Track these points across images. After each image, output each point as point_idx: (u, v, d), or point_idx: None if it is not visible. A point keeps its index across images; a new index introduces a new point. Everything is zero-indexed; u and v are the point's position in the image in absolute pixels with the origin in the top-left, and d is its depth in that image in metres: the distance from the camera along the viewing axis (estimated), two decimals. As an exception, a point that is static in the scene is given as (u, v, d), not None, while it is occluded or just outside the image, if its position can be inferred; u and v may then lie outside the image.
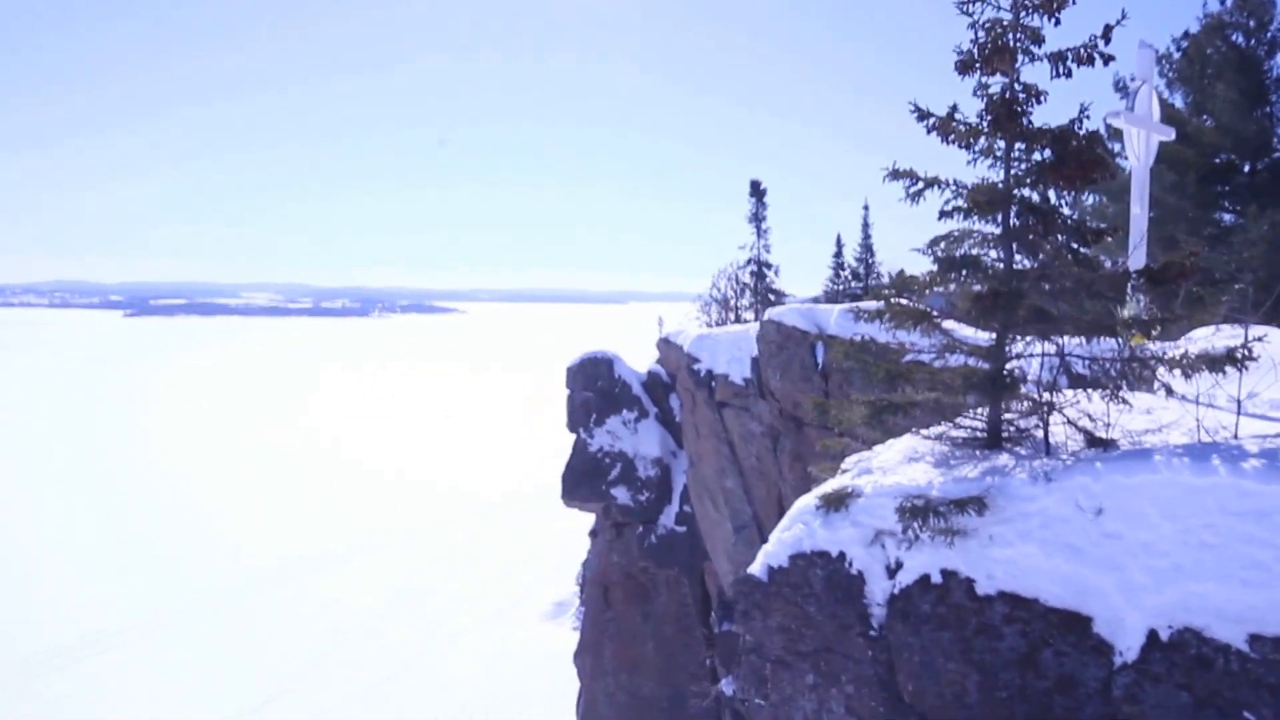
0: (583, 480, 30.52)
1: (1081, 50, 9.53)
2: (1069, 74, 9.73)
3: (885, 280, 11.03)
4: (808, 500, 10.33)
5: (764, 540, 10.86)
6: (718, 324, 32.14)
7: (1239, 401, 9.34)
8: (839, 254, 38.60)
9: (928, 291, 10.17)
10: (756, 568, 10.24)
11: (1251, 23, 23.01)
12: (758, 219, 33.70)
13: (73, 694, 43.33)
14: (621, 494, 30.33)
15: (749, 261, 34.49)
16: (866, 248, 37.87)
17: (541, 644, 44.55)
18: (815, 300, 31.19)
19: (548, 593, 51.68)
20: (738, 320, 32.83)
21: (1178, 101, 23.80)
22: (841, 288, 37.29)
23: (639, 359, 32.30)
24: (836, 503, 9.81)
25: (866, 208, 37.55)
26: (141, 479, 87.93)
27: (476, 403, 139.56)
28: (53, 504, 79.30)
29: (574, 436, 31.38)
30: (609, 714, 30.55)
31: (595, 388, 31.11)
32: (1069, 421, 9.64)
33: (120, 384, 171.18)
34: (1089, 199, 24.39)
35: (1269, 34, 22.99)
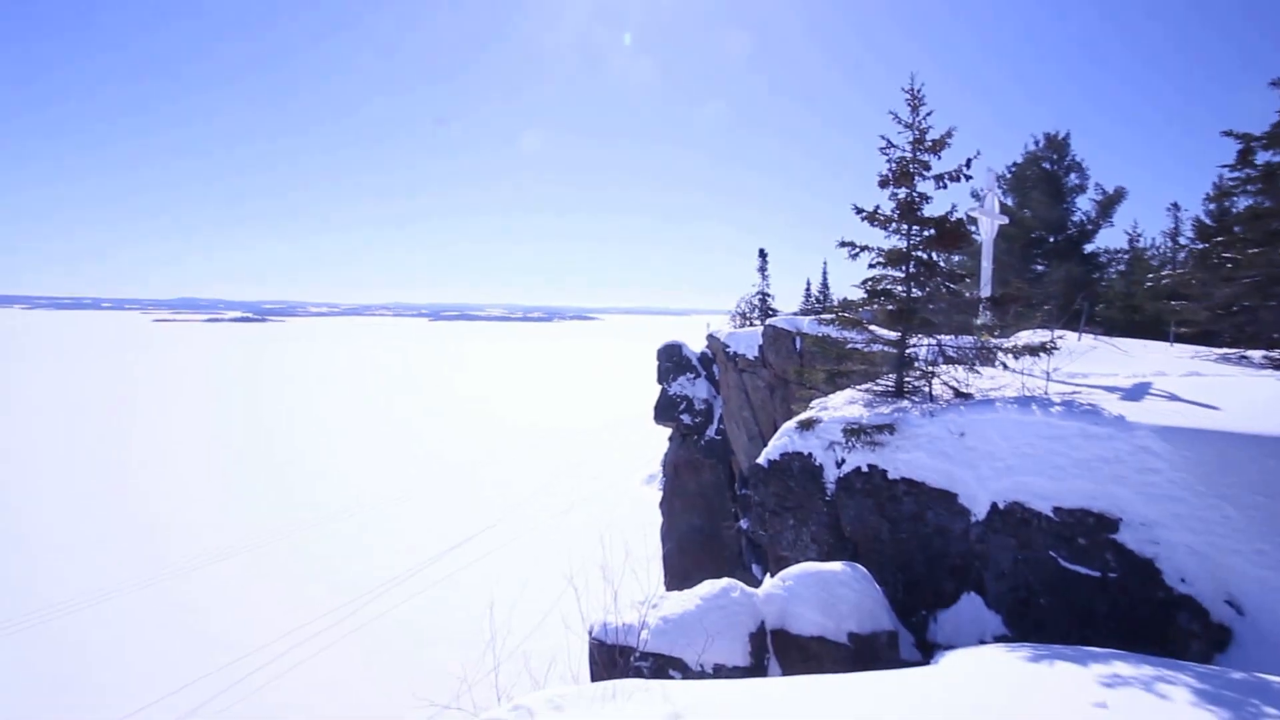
0: (664, 410, 30.32)
1: (953, 173, 9.32)
2: (945, 187, 9.42)
3: (835, 303, 10.90)
4: (790, 424, 9.93)
5: (766, 446, 10.48)
6: (739, 327, 31.51)
7: (1048, 374, 8.82)
8: (808, 288, 38.07)
9: (860, 309, 9.85)
10: (762, 459, 9.88)
11: (1054, 156, 22.42)
12: (763, 270, 33.68)
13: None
14: (685, 418, 30.07)
15: (757, 293, 34.07)
16: (824, 285, 37.49)
17: (641, 497, 44.52)
18: (795, 314, 30.36)
19: (645, 469, 51.62)
20: (750, 325, 32.22)
21: (1010, 201, 22.97)
22: (810, 307, 36.52)
23: (696, 344, 31.98)
24: (807, 425, 9.44)
25: (825, 262, 38.56)
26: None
27: (613, 369, 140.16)
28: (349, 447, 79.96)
29: (660, 386, 31.17)
30: (678, 536, 30.30)
31: (671, 360, 31.00)
32: (944, 383, 9.20)
33: (429, 366, 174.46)
34: (956, 258, 23.49)
35: (1065, 162, 22.36)
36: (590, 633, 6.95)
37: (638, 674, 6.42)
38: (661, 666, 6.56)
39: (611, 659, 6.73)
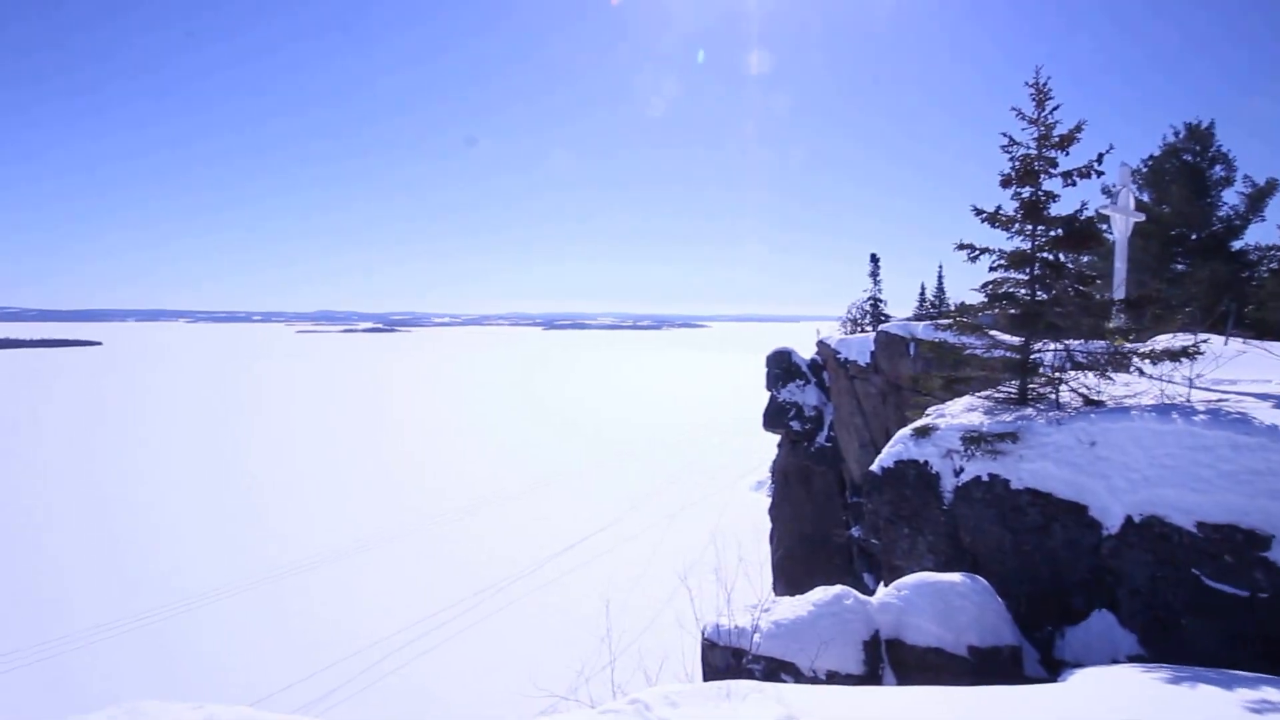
0: (773, 417, 30.03)
1: (1083, 169, 8.89)
2: (1074, 184, 9.00)
3: (951, 307, 10.66)
4: (905, 431, 9.80)
5: (877, 453, 10.38)
6: (850, 333, 30.77)
7: (1190, 380, 8.20)
8: (922, 293, 36.53)
9: (980, 314, 9.58)
10: (875, 466, 9.81)
11: (1197, 147, 20.37)
12: (875, 275, 32.73)
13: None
14: (795, 425, 29.67)
15: (869, 298, 33.13)
16: (940, 289, 35.81)
17: (750, 503, 44.20)
18: (908, 319, 29.30)
19: (753, 476, 51.15)
20: (861, 331, 31.37)
21: (1146, 197, 21.11)
22: (924, 312, 35.05)
23: (805, 351, 31.54)
24: (923, 433, 9.30)
25: (941, 266, 36.76)
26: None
27: (720, 376, 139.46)
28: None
29: (769, 393, 30.94)
30: (788, 542, 29.95)
31: (780, 366, 30.66)
32: (1073, 390, 8.77)
33: (544, 372, 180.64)
34: (1086, 259, 21.90)
35: (1210, 154, 20.27)
36: (703, 633, 7.26)
37: (749, 676, 6.66)
38: (774, 670, 6.77)
39: (724, 660, 7.01)
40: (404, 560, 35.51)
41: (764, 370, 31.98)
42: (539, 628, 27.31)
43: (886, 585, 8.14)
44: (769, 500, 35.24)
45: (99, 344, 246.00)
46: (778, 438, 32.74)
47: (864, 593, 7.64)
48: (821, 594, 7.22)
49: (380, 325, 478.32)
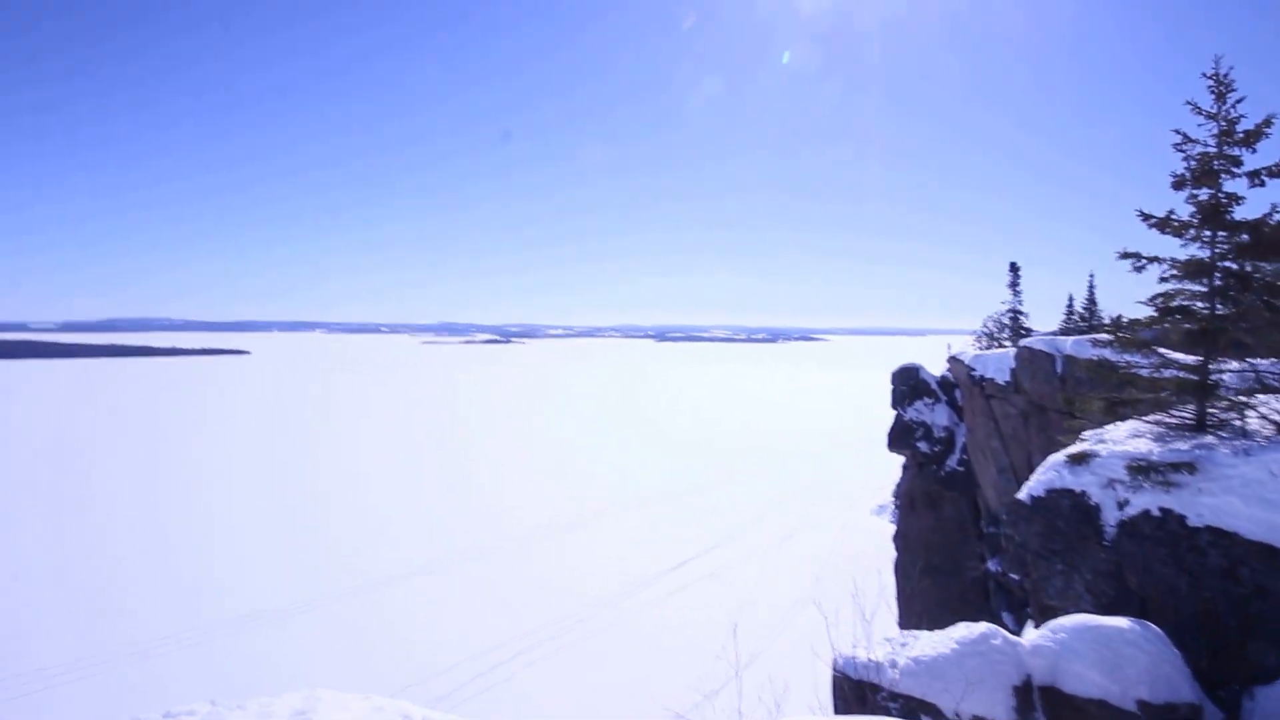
0: (899, 437, 28.73)
1: (1274, 168, 7.97)
2: (1263, 184, 8.12)
3: (1106, 321, 9.91)
4: (1057, 457, 9.17)
5: (1018, 480, 9.77)
6: (985, 348, 29.09)
7: None
8: (1070, 305, 33.59)
9: (1146, 328, 8.81)
10: (1022, 494, 9.22)
11: None
12: (1014, 286, 30.67)
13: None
14: (923, 446, 28.25)
15: (1008, 311, 31.05)
16: (1091, 300, 32.68)
17: (870, 528, 42.40)
18: (1054, 333, 27.19)
19: (874, 499, 48.97)
20: (999, 346, 29.50)
21: None
22: (1072, 325, 32.34)
23: (934, 367, 30.04)
24: (1080, 459, 8.66)
25: (1092, 276, 33.40)
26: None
27: (839, 392, 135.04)
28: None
29: (895, 411, 29.67)
30: (913, 572, 28.48)
31: (907, 384, 29.30)
32: (1263, 416, 7.87)
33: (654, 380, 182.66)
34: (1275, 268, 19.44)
35: None
36: (835, 664, 7.11)
37: (885, 713, 6.46)
38: (912, 709, 6.53)
39: (858, 694, 6.83)
40: (513, 572, 36.70)
41: (887, 387, 30.74)
42: (650, 645, 27.45)
43: (1037, 626, 7.64)
44: (893, 526, 33.74)
45: (248, 353, 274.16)
46: (903, 459, 31.31)
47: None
48: (965, 631, 6.90)
49: (497, 337, 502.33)
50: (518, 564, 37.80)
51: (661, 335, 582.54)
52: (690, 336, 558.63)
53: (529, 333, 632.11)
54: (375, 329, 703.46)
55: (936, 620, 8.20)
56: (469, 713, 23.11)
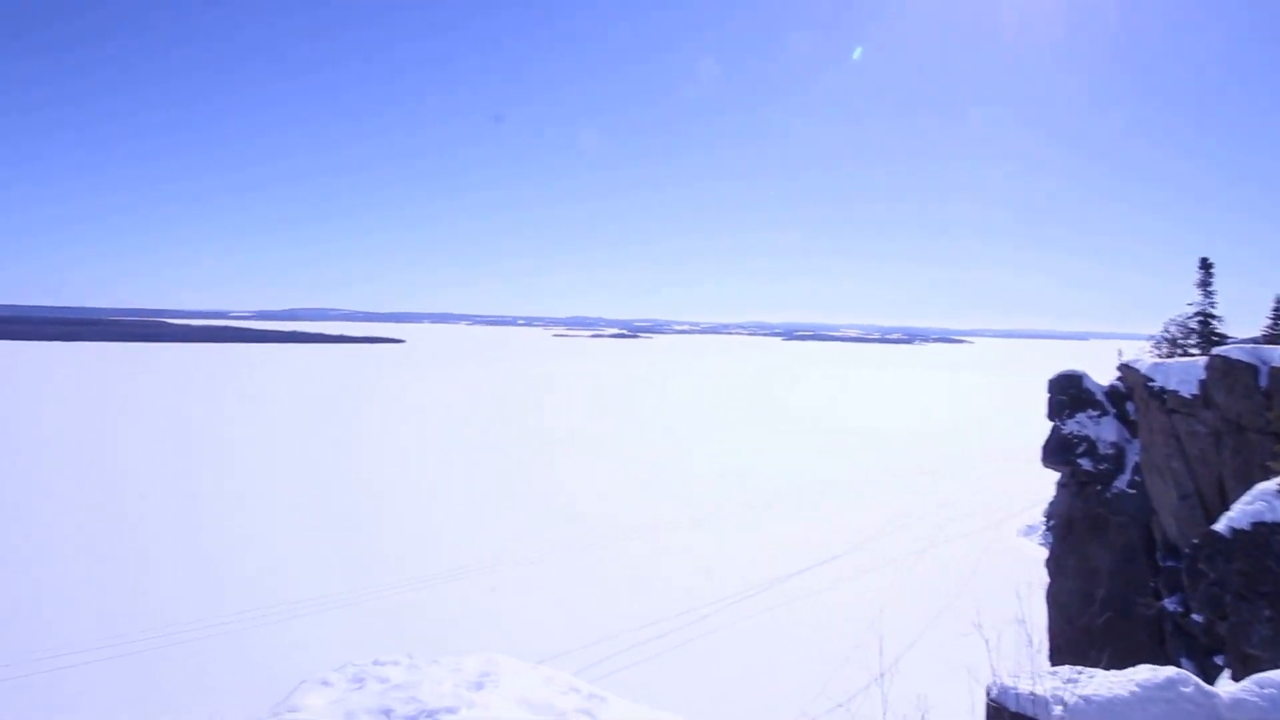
0: (1057, 452, 26.17)
1: None
2: None
3: None
4: (1268, 486, 7.98)
5: (1205, 508, 8.60)
6: (1165, 356, 25.95)
7: None
8: (1278, 307, 28.97)
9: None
10: (1220, 526, 8.11)
11: None
12: (1205, 285, 26.85)
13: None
14: (1085, 463, 25.56)
15: (1196, 314, 27.29)
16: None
17: (1016, 550, 39.00)
18: (1255, 341, 23.74)
19: (1021, 518, 44.90)
20: (1184, 354, 26.16)
21: None
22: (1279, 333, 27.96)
23: (1099, 374, 27.18)
24: (1298, 493, 7.48)
25: None
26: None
27: (984, 398, 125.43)
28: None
29: (1051, 423, 27.09)
30: (1069, 604, 26.00)
31: (1067, 393, 26.62)
32: None
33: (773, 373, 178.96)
34: None
35: None
36: (989, 692, 6.60)
37: (1045, 752, 5.92)
38: (1078, 752, 5.94)
39: (1015, 728, 6.30)
40: (630, 567, 36.98)
41: (1041, 395, 28.13)
42: (774, 647, 26.83)
43: (1236, 678, 6.70)
44: (1044, 549, 30.95)
45: (403, 341, 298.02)
46: (1059, 476, 28.58)
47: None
48: (1149, 674, 6.17)
49: (624, 331, 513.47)
50: (636, 558, 38.17)
51: (789, 333, 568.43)
52: (819, 335, 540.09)
53: (655, 328, 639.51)
54: (511, 321, 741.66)
55: (1095, 659, 7.36)
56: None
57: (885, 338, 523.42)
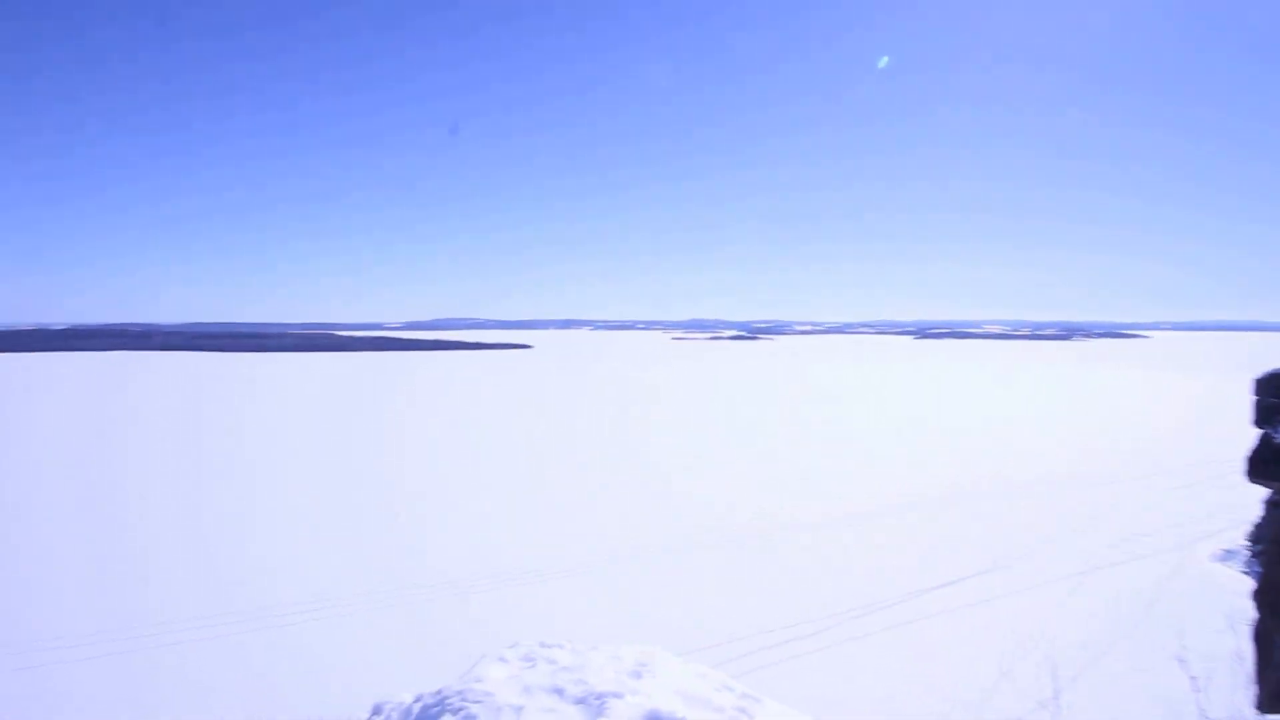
0: (1268, 465, 22.74)
1: None
2: None
3: None
4: None
5: None
6: None
7: None
8: None
9: None
10: None
11: None
12: None
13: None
14: (1300, 476, 22.15)
15: None
16: None
17: (1207, 576, 34.06)
18: None
19: (1214, 541, 39.21)
20: None
21: None
22: None
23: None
24: None
25: None
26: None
27: (1163, 400, 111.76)
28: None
29: (1260, 431, 23.60)
30: None
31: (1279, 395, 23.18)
32: None
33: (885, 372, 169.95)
34: None
35: None
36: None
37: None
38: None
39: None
40: (745, 571, 36.06)
41: (1243, 398, 24.50)
42: (905, 666, 25.12)
43: None
44: (1248, 578, 27.00)
45: (531, 347, 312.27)
46: (1268, 493, 24.88)
47: None
48: None
49: (743, 333, 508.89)
50: (748, 563, 37.27)
51: (922, 331, 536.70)
52: (956, 333, 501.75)
53: (775, 329, 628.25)
54: (632, 325, 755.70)
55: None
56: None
57: (1037, 334, 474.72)
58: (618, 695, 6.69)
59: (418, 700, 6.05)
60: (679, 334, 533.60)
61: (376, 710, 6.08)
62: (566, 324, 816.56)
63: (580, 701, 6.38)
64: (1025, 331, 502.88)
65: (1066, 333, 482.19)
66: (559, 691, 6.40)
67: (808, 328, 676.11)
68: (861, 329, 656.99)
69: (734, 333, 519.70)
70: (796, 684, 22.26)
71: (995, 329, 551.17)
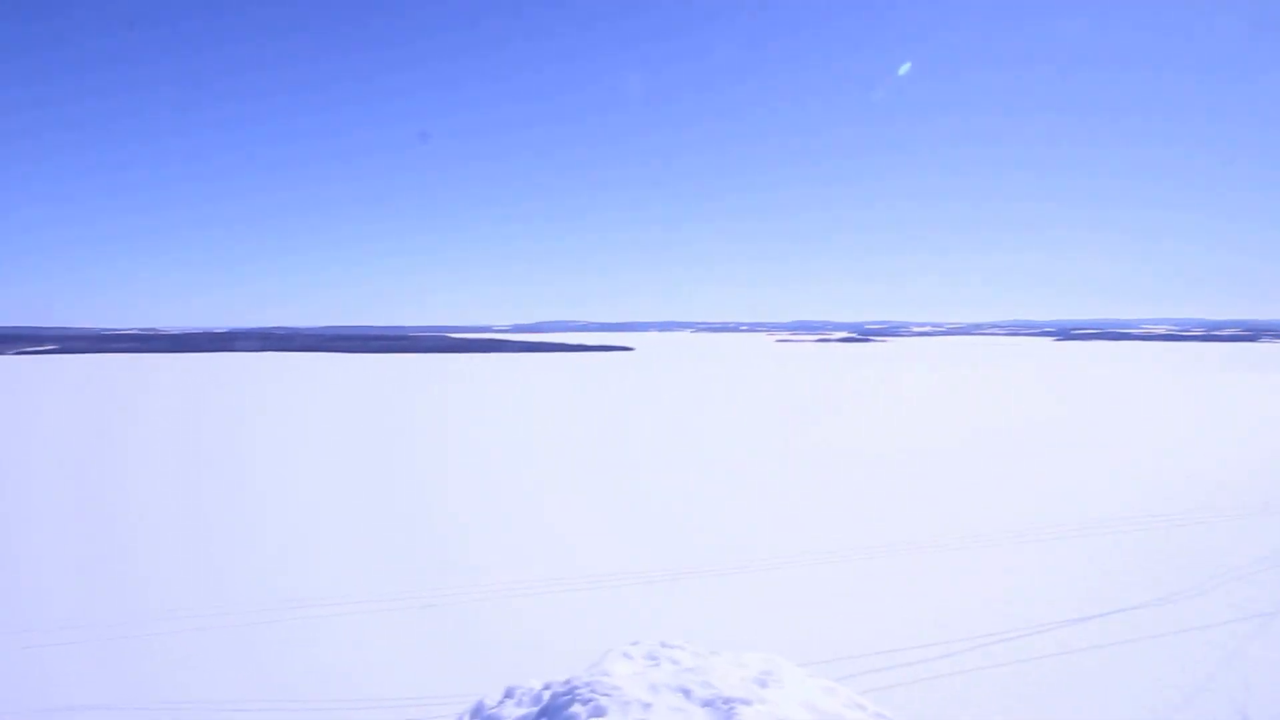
0: None
1: None
2: None
3: None
4: None
5: None
6: None
7: None
8: None
9: None
10: None
11: None
12: None
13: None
14: None
15: None
16: None
17: None
18: None
19: None
20: None
21: None
22: None
23: None
24: None
25: None
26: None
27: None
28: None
29: None
30: None
31: None
32: None
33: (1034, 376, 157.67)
34: None
35: None
36: None
37: None
38: None
39: None
40: (937, 575, 34.54)
41: None
42: (1082, 686, 22.99)
43: None
44: None
45: (632, 349, 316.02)
46: None
47: None
48: None
49: (854, 335, 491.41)
50: (938, 571, 35.35)
51: (1064, 332, 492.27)
52: (1109, 333, 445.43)
53: (890, 330, 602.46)
54: (735, 328, 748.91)
55: None
56: None
57: (1213, 334, 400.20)
58: (746, 702, 6.53)
59: (547, 688, 6.14)
60: (784, 336, 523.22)
61: (508, 694, 6.23)
62: (666, 325, 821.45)
63: (708, 704, 6.26)
64: (1198, 332, 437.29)
65: (1251, 333, 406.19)
66: (685, 692, 6.31)
67: (927, 329, 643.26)
68: (991, 329, 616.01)
69: (844, 334, 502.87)
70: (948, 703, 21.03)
71: (1160, 329, 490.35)
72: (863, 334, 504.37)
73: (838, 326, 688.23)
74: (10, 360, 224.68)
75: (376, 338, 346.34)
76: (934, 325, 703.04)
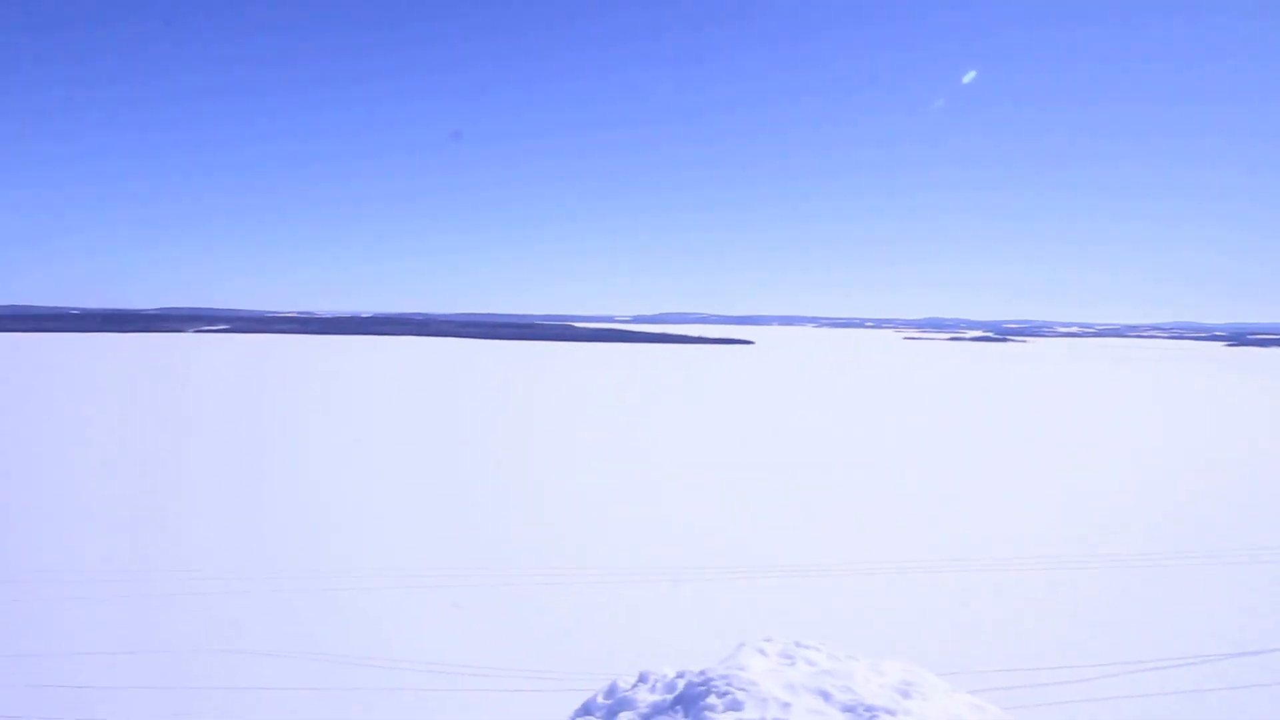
0: None
1: None
2: None
3: None
4: None
5: None
6: None
7: None
8: None
9: None
10: None
11: None
12: None
13: None
14: None
15: None
16: None
17: None
18: None
19: None
20: None
21: None
22: None
23: None
24: None
25: None
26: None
27: None
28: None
29: None
30: None
31: None
32: None
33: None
34: None
35: None
36: None
37: None
38: None
39: None
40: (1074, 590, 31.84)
41: None
42: None
43: None
44: None
45: (752, 343, 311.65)
46: None
47: None
48: None
49: (990, 334, 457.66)
50: (1073, 586, 32.65)
51: (1238, 337, 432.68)
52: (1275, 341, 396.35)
53: (1030, 330, 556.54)
54: (860, 324, 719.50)
55: None
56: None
57: None
58: (890, 712, 6.14)
59: (680, 676, 6.05)
60: (912, 333, 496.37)
61: (642, 679, 6.19)
62: (787, 320, 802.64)
63: (849, 710, 5.93)
64: None
65: None
66: (824, 695, 6.01)
67: (1074, 329, 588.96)
68: (1149, 331, 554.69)
69: (979, 333, 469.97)
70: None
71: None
72: (1000, 333, 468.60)
73: (971, 325, 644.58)
74: (190, 338, 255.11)
75: (505, 324, 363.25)
76: (1082, 326, 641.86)
